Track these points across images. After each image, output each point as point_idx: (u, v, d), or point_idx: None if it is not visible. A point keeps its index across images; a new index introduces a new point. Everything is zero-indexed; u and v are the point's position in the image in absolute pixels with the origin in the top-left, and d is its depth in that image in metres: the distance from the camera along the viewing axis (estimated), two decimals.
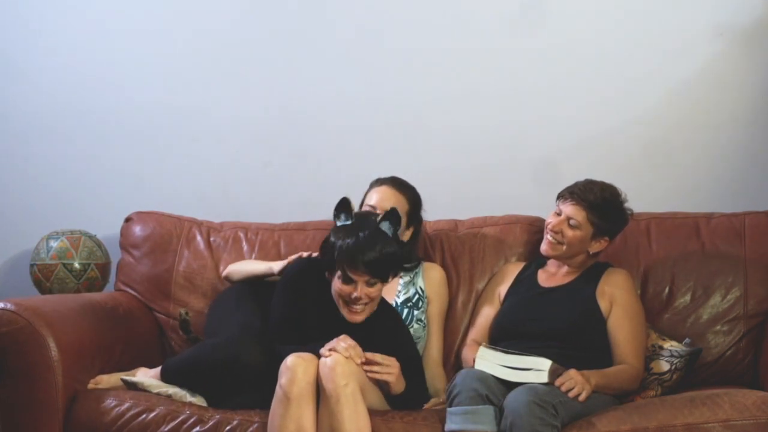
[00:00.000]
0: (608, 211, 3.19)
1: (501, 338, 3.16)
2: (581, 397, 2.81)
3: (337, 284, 2.99)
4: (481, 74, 3.87)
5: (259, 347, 2.97)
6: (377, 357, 2.92)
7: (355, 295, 2.96)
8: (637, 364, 3.08)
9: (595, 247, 3.23)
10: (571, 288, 3.22)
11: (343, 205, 3.04)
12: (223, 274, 3.46)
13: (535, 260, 3.39)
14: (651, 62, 3.79)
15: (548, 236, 3.22)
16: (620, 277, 3.23)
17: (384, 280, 3.01)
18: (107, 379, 3.17)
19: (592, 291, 3.18)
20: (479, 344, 3.08)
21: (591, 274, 3.24)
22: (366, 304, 2.99)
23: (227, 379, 2.98)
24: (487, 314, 3.33)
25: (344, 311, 3.01)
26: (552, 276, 3.29)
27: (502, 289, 3.35)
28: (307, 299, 3.06)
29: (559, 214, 3.21)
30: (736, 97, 3.78)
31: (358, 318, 3.00)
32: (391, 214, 3.03)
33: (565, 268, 3.27)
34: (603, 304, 3.15)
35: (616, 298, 3.16)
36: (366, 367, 2.89)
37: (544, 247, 3.24)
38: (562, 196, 3.24)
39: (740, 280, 3.35)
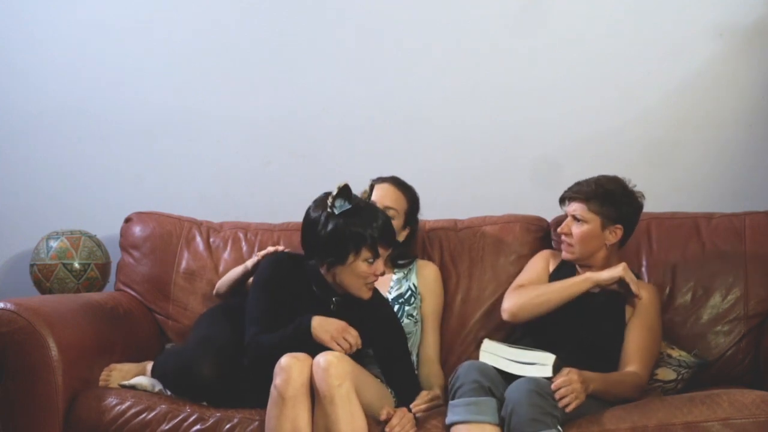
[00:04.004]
0: (609, 196, 3.13)
1: (525, 335, 3.11)
2: (569, 408, 2.74)
3: (360, 267, 2.94)
4: (481, 74, 3.87)
5: (213, 358, 2.96)
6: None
7: (380, 270, 2.96)
8: (642, 373, 3.01)
9: (611, 237, 3.16)
10: (604, 298, 3.13)
11: (345, 192, 2.95)
12: (213, 292, 3.46)
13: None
14: (651, 62, 3.80)
15: (562, 241, 3.19)
16: (648, 295, 3.14)
17: None
18: (120, 367, 3.21)
19: (622, 305, 3.13)
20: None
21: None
22: None
23: (182, 387, 3.01)
24: (538, 273, 3.27)
25: (361, 291, 2.98)
26: None
27: (550, 268, 3.30)
28: (285, 291, 3.03)
29: (565, 217, 3.20)
30: (736, 97, 3.78)
31: (371, 292, 3.01)
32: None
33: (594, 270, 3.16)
34: (628, 317, 3.12)
35: (640, 311, 3.10)
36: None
37: (563, 254, 3.21)
38: (562, 200, 3.21)
39: (740, 281, 3.35)
